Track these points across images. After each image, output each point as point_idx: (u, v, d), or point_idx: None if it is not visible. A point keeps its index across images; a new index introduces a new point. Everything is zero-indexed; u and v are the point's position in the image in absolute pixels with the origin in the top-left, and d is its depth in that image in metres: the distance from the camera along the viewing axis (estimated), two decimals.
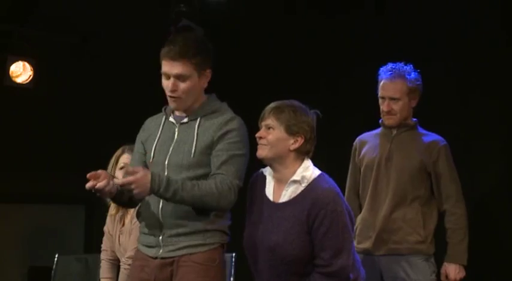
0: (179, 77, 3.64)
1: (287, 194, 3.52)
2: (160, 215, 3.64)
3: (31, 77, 6.67)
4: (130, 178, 3.48)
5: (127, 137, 4.83)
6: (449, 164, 4.48)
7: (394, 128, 4.53)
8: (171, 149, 3.68)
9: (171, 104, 3.71)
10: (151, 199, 3.67)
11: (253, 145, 3.65)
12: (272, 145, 3.50)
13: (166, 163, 3.67)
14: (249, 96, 6.34)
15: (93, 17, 6.72)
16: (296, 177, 3.51)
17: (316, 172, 3.55)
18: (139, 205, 3.81)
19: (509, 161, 5.56)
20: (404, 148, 4.49)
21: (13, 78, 6.63)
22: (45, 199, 7.85)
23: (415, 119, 4.59)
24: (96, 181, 3.50)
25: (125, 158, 4.52)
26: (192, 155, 3.61)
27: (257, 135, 3.55)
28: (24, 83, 6.69)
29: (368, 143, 4.62)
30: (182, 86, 3.64)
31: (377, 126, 4.70)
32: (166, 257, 3.63)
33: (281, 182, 3.56)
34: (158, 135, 3.74)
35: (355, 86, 5.98)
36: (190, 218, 3.61)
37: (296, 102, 3.58)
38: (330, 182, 3.53)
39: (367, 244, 4.44)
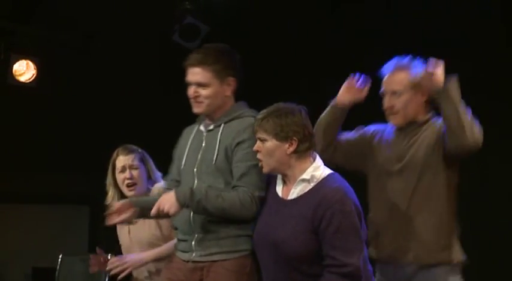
0: (199, 85, 3.69)
1: (296, 191, 3.52)
2: (192, 221, 3.69)
3: (34, 75, 6.66)
4: (156, 204, 3.60)
5: (131, 136, 4.81)
6: None
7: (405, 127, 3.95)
8: (199, 156, 3.73)
9: (194, 109, 3.75)
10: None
11: None
12: (267, 158, 3.51)
13: (195, 170, 3.72)
14: (251, 94, 6.32)
15: (97, 15, 6.71)
16: (306, 176, 3.50)
17: (327, 171, 3.53)
18: None
19: None
20: (420, 143, 3.91)
21: (16, 77, 6.62)
22: (49, 199, 7.84)
23: (430, 114, 3.96)
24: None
25: (120, 161, 4.50)
26: (213, 162, 3.67)
27: (253, 149, 3.55)
28: (28, 81, 6.67)
29: (383, 138, 4.06)
30: (203, 93, 3.70)
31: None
32: (198, 261, 3.68)
33: (290, 181, 3.56)
34: (189, 143, 3.80)
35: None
36: (220, 223, 3.64)
37: (280, 104, 3.54)
38: (339, 182, 3.50)
39: (386, 252, 3.95)
